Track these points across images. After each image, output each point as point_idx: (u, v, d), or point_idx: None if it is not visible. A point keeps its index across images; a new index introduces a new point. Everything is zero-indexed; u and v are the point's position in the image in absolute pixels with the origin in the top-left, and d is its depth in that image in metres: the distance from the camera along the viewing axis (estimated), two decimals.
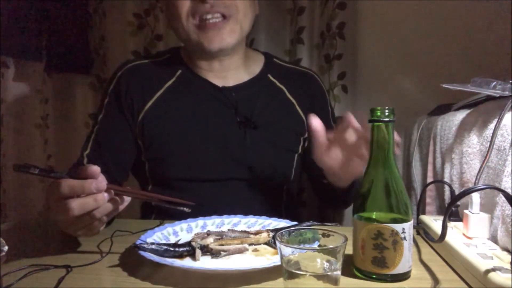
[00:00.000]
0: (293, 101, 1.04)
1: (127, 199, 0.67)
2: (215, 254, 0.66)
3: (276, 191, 1.02)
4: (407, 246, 0.57)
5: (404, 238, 0.57)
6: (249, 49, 1.09)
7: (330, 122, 1.09)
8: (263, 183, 0.98)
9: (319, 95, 1.09)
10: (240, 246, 0.67)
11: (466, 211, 0.69)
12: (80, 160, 0.95)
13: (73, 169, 0.94)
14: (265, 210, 0.87)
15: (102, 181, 0.61)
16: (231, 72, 1.01)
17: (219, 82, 0.99)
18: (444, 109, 0.99)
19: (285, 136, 1.02)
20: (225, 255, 0.66)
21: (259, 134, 0.97)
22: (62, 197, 0.61)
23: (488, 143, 0.68)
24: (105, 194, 0.62)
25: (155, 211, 1.00)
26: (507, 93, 0.69)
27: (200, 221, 0.81)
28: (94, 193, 0.60)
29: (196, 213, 0.77)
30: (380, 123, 0.59)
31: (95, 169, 0.61)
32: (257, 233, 0.73)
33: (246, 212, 0.85)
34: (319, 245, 0.55)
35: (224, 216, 0.84)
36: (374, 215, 0.59)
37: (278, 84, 1.04)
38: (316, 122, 0.76)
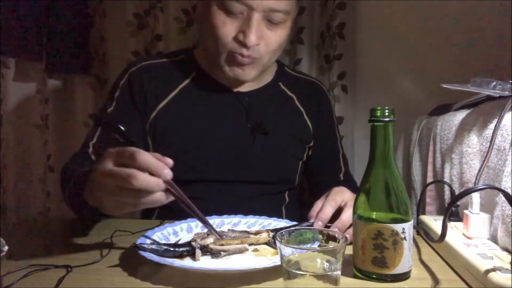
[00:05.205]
0: (302, 109, 1.06)
1: (169, 199, 0.62)
2: (215, 254, 0.66)
3: (279, 194, 1.04)
4: (407, 246, 0.57)
5: (404, 238, 0.57)
6: None
7: (335, 132, 1.12)
8: (268, 187, 1.00)
9: (326, 105, 1.11)
10: (240, 246, 0.67)
11: (466, 211, 0.69)
12: (85, 149, 0.95)
13: (76, 158, 0.94)
14: (267, 211, 0.87)
15: (170, 172, 0.59)
16: None
17: (233, 87, 1.00)
18: (444, 109, 0.99)
19: (292, 143, 1.04)
20: (225, 255, 0.66)
21: (268, 139, 0.99)
22: (131, 166, 0.58)
23: (488, 143, 0.68)
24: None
25: (155, 211, 1.00)
26: (507, 93, 0.69)
27: None
28: (160, 179, 0.58)
29: None
30: (380, 123, 0.59)
31: (169, 160, 0.61)
32: (257, 233, 0.73)
33: (248, 213, 0.85)
34: (319, 245, 0.55)
35: (224, 216, 0.84)
36: (374, 215, 0.59)
37: (288, 92, 1.06)
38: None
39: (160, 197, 0.60)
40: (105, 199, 0.63)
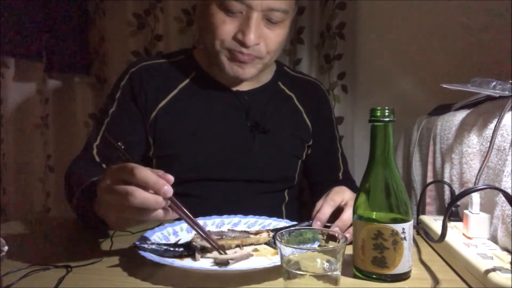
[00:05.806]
0: (301, 108, 1.07)
1: (172, 215, 0.62)
2: (221, 264, 0.63)
3: (278, 193, 1.04)
4: (407, 246, 0.57)
5: (404, 238, 0.57)
6: None
7: (334, 131, 1.12)
8: (267, 185, 1.00)
9: (324, 104, 1.12)
10: (245, 253, 0.66)
11: (466, 211, 0.69)
12: (89, 151, 0.95)
13: (81, 162, 0.94)
14: (267, 211, 0.87)
15: (170, 189, 0.59)
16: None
17: (232, 86, 1.00)
18: (444, 109, 0.99)
19: (292, 142, 1.04)
20: (232, 263, 0.64)
21: (268, 138, 0.99)
22: (130, 182, 0.58)
23: (488, 143, 0.68)
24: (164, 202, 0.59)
25: None
26: (507, 93, 0.69)
27: (200, 221, 0.81)
28: (159, 196, 0.57)
29: (199, 212, 0.77)
30: (380, 123, 0.59)
31: (170, 177, 0.60)
32: (257, 233, 0.73)
33: (248, 212, 0.85)
34: (319, 245, 0.55)
35: (224, 216, 0.84)
36: (374, 215, 0.59)
37: (288, 91, 1.07)
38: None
39: (161, 214, 0.59)
40: (108, 215, 0.63)
